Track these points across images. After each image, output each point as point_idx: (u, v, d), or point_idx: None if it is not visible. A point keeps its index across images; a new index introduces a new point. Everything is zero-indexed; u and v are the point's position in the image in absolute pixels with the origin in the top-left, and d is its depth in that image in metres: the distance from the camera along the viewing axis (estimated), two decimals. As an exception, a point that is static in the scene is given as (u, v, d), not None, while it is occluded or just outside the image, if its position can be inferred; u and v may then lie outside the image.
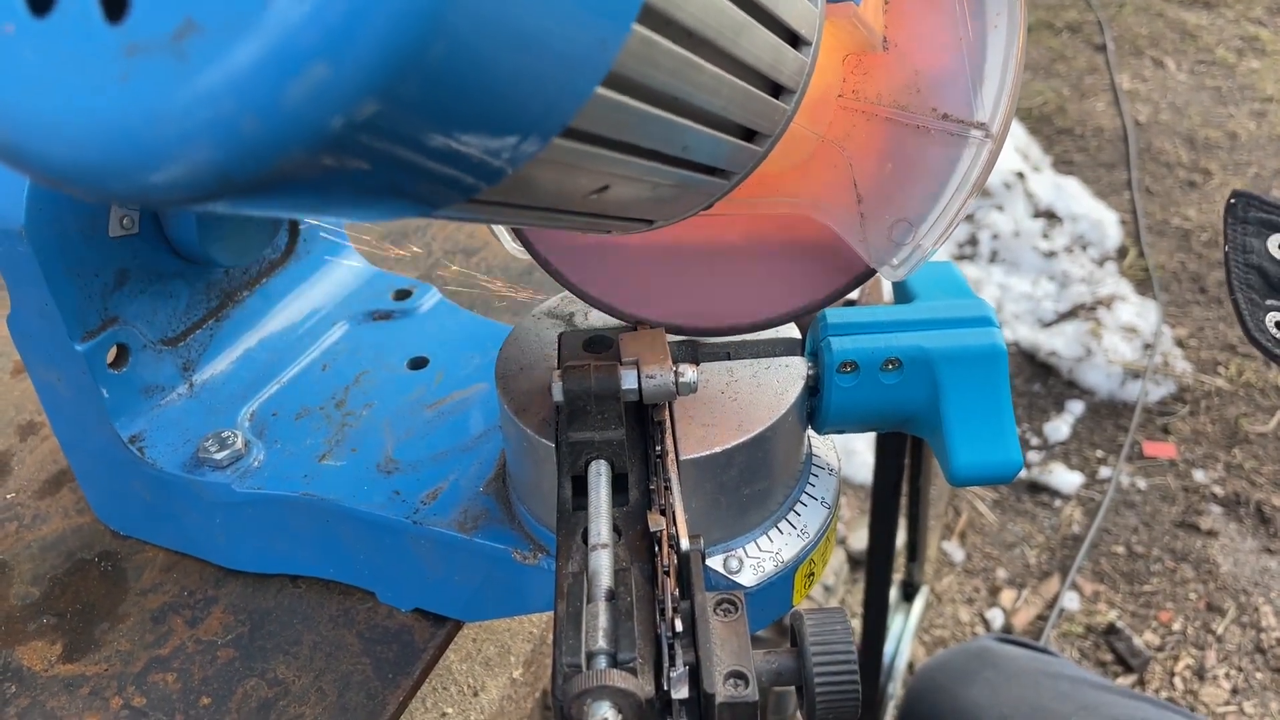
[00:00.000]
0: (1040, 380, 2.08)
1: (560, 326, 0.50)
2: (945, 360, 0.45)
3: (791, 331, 0.49)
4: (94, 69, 0.18)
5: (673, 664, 0.31)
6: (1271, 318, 0.47)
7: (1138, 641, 1.60)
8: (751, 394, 0.45)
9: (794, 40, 0.30)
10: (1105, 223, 2.42)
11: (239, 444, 0.54)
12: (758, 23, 0.26)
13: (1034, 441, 1.96)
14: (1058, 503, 1.85)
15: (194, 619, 0.54)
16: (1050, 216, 2.44)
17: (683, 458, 0.42)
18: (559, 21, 0.19)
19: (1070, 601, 1.68)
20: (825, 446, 0.51)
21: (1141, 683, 1.56)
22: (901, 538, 1.07)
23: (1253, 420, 1.96)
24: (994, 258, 2.35)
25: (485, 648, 0.64)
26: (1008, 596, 1.70)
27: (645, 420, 0.42)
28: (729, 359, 0.48)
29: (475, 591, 0.50)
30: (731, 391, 0.46)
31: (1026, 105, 2.99)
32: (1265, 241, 0.49)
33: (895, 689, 1.19)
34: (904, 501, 1.02)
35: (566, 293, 0.48)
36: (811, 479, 0.49)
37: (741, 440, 0.43)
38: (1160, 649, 1.60)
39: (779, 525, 0.47)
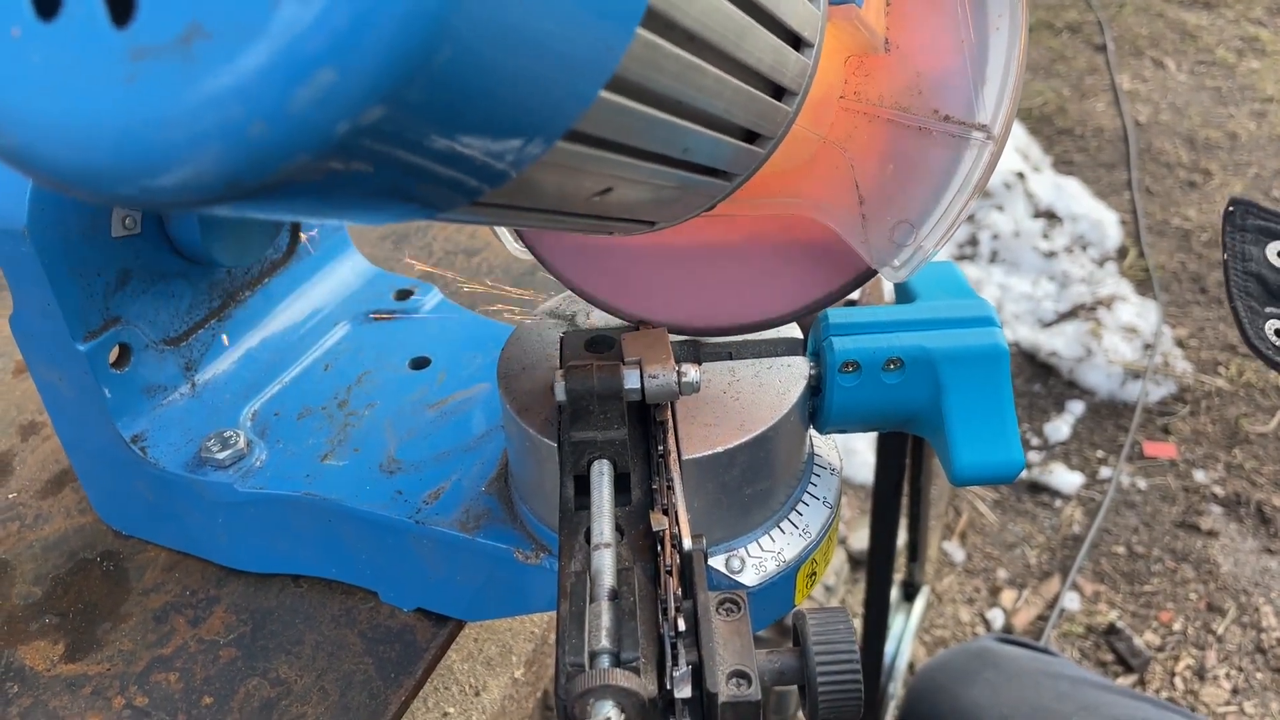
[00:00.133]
0: (1040, 380, 2.08)
1: (562, 326, 0.50)
2: (947, 360, 0.45)
3: (793, 331, 0.49)
4: (100, 73, 0.18)
5: (675, 663, 0.31)
6: (1271, 325, 0.47)
7: (1138, 642, 1.60)
8: (754, 394, 0.45)
9: (796, 42, 0.30)
10: (1105, 223, 2.42)
11: (241, 444, 0.54)
12: (760, 25, 0.27)
13: (1034, 441, 1.97)
14: (1058, 503, 1.85)
15: (196, 618, 0.54)
16: (1050, 217, 2.44)
17: (685, 457, 0.42)
18: (564, 26, 0.19)
19: (1071, 602, 1.68)
20: (827, 446, 0.51)
21: (1142, 683, 1.56)
22: (902, 538, 1.07)
23: (1253, 420, 1.96)
24: (994, 258, 2.35)
25: (487, 647, 0.64)
26: (1008, 597, 1.71)
27: (648, 420, 0.42)
28: (731, 359, 0.48)
29: (477, 591, 0.51)
30: (734, 391, 0.46)
31: (1026, 105, 2.99)
32: (1264, 249, 0.49)
33: (896, 689, 1.19)
34: (905, 501, 1.02)
35: (568, 293, 0.48)
36: (813, 479, 0.49)
37: (744, 440, 0.43)
38: (1161, 649, 1.60)
39: (781, 525, 0.47)
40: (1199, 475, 1.87)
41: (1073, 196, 2.49)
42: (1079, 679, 0.83)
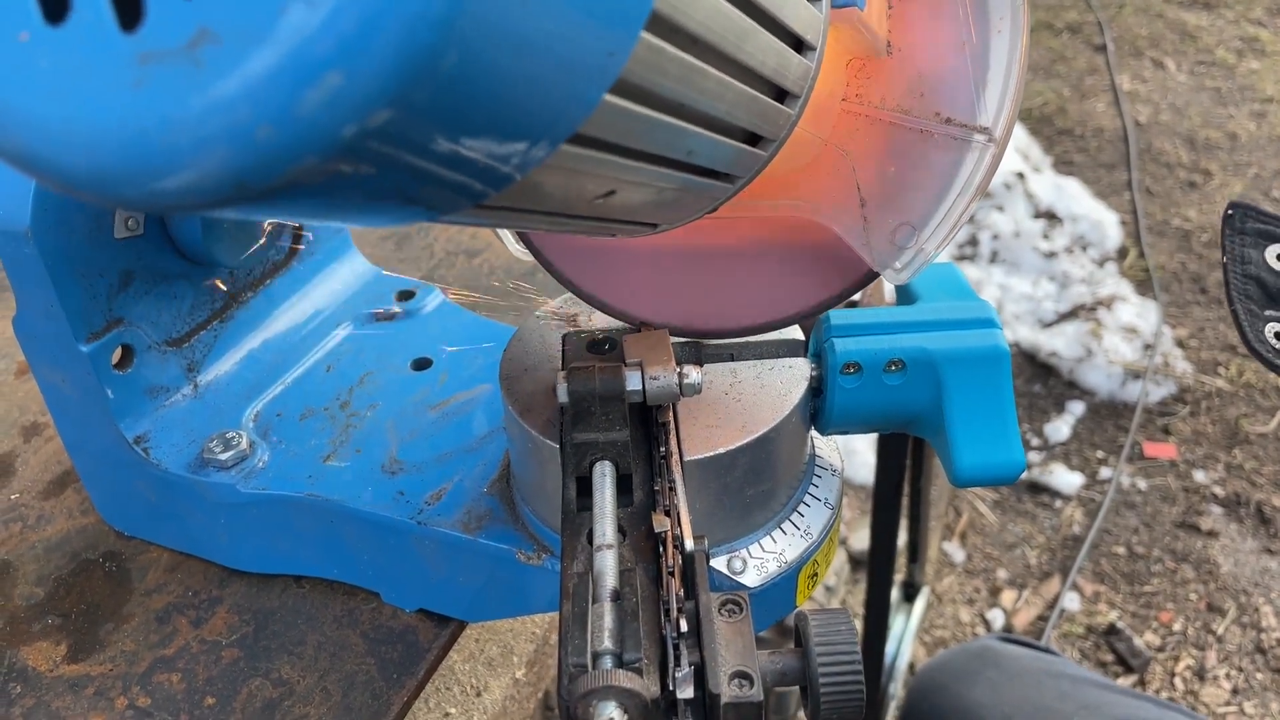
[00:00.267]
0: (1041, 381, 2.08)
1: (564, 328, 0.50)
2: (948, 361, 0.45)
3: (795, 333, 0.49)
4: (108, 76, 0.18)
5: (678, 664, 0.32)
6: (1271, 328, 0.47)
7: (1138, 642, 1.60)
8: (755, 395, 0.45)
9: (798, 45, 0.30)
10: (1105, 223, 2.43)
11: (243, 444, 0.54)
12: (763, 28, 0.27)
13: (1034, 442, 1.97)
14: (1058, 503, 1.85)
15: (198, 619, 0.54)
16: (1050, 217, 2.44)
17: (687, 459, 0.42)
18: (569, 30, 0.19)
19: (1071, 602, 1.68)
20: (828, 447, 0.52)
21: (1142, 683, 1.56)
22: (902, 538, 1.07)
23: (1253, 421, 1.96)
24: (994, 258, 2.35)
25: (488, 648, 0.64)
26: (1008, 597, 1.71)
27: (649, 421, 0.42)
28: (732, 360, 0.48)
29: (479, 592, 0.51)
30: (735, 393, 0.46)
31: (1027, 106, 2.99)
32: (1263, 252, 0.49)
33: (896, 689, 1.19)
34: (905, 502, 1.02)
35: (570, 294, 0.49)
36: (814, 480, 0.49)
37: (745, 441, 0.43)
38: (1161, 649, 1.60)
39: (782, 526, 0.47)
40: (1199, 476, 1.87)
41: (1073, 197, 2.49)
42: (1080, 678, 0.83)
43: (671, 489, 0.38)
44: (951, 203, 0.40)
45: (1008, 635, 0.94)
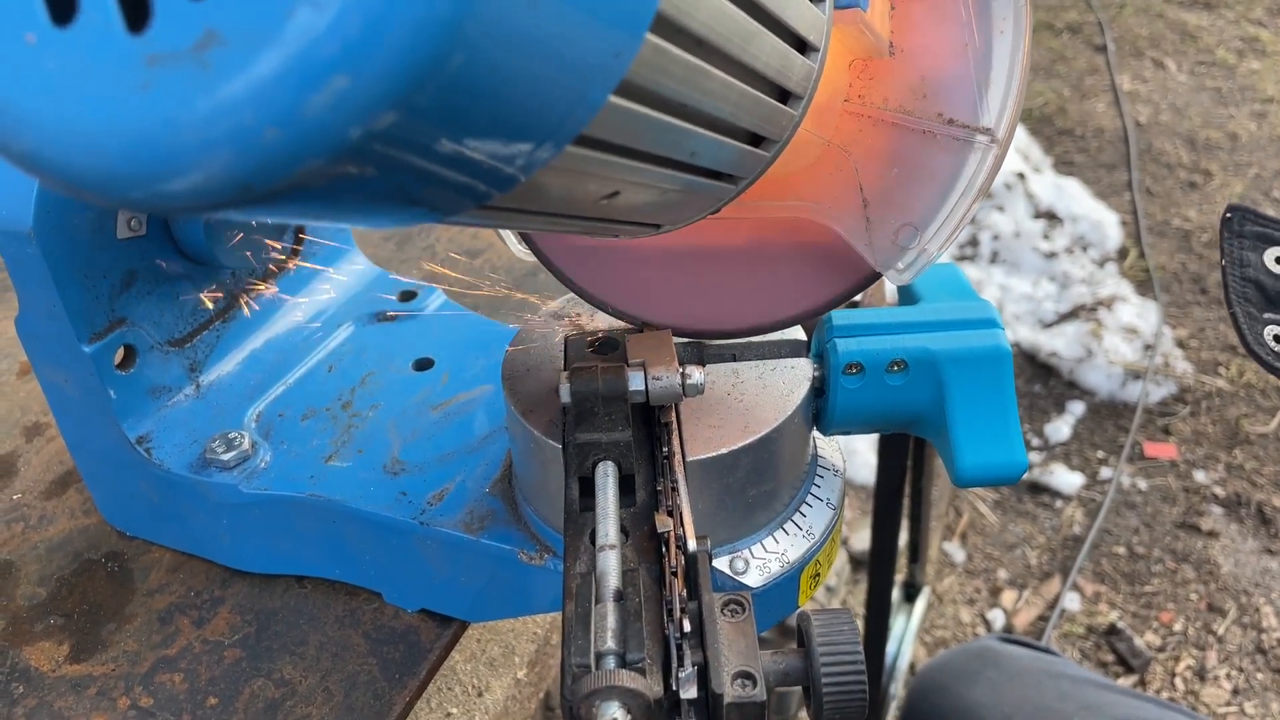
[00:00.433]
0: (1041, 381, 2.08)
1: (566, 329, 0.50)
2: (950, 362, 0.45)
3: (797, 333, 0.49)
4: (115, 78, 0.18)
5: (681, 664, 0.32)
6: (1270, 330, 0.47)
7: (1139, 642, 1.60)
8: (757, 395, 0.45)
9: (801, 46, 0.30)
10: (1106, 223, 2.43)
11: (245, 445, 0.54)
12: (766, 30, 0.27)
13: (1035, 442, 1.97)
14: (1059, 503, 1.85)
15: (201, 619, 0.54)
16: (1051, 217, 2.44)
17: (689, 459, 0.42)
18: (575, 32, 0.19)
19: (1071, 602, 1.68)
20: (830, 448, 0.52)
21: (1142, 683, 1.56)
22: (903, 538, 1.07)
23: (1253, 421, 1.96)
24: (995, 258, 2.35)
25: (490, 648, 0.64)
26: (1009, 597, 1.71)
27: (652, 422, 0.43)
28: (735, 360, 0.48)
29: (481, 592, 0.51)
30: (737, 393, 0.46)
31: (1027, 106, 2.99)
32: (1261, 255, 0.49)
33: (897, 689, 1.19)
34: (906, 502, 1.02)
35: (572, 294, 0.49)
36: (817, 480, 0.49)
37: (748, 441, 0.43)
38: (1161, 649, 1.60)
39: (785, 526, 0.47)
40: (1199, 476, 1.87)
41: (1073, 197, 2.49)
42: (1081, 678, 0.83)
43: (674, 489, 0.38)
44: (954, 203, 0.40)
45: (1008, 635, 0.94)
